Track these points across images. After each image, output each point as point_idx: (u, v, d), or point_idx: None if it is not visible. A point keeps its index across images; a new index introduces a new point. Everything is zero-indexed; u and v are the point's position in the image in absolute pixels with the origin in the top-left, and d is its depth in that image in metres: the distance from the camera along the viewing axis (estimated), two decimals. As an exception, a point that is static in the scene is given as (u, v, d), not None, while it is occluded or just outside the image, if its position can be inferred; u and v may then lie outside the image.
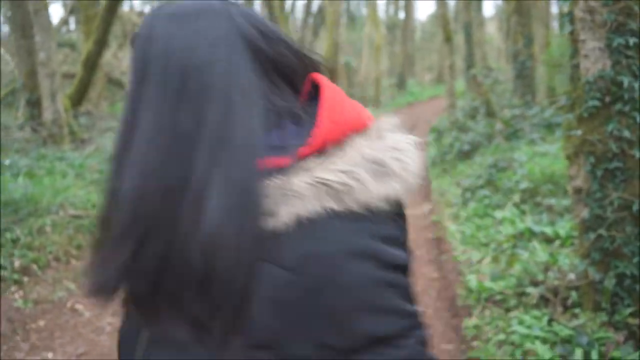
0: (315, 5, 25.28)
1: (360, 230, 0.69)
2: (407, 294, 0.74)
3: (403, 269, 0.74)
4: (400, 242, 0.75)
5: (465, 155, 8.24)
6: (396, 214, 0.75)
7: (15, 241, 4.93)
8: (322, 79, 0.80)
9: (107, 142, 8.26)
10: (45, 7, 8.05)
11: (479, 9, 19.73)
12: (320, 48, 23.44)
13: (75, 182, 6.64)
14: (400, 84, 26.49)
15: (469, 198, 6.23)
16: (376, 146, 0.74)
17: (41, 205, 5.55)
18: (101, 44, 9.56)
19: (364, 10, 30.68)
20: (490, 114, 8.92)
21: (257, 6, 25.57)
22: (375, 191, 0.71)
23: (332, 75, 17.55)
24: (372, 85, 23.06)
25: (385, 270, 0.70)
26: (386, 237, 0.72)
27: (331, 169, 0.70)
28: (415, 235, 5.93)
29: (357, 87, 22.62)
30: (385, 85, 25.34)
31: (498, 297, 3.97)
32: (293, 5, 28.58)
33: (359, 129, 0.75)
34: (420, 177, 0.76)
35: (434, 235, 5.87)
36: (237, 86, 0.70)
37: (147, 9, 30.03)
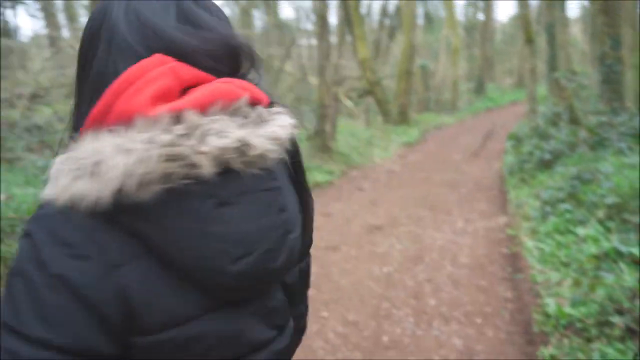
0: (391, 7, 24.95)
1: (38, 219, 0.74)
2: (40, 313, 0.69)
3: (63, 284, 0.70)
4: (79, 253, 0.71)
5: (546, 165, 7.78)
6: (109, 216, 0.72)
7: None
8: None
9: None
10: None
11: (563, 9, 18.82)
12: (396, 50, 23.10)
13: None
14: (479, 88, 25.74)
15: (549, 212, 5.83)
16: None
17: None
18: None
19: (442, 12, 30.04)
20: (574, 120, 8.40)
21: (333, 7, 25.52)
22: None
23: (408, 78, 17.21)
24: (450, 89, 22.50)
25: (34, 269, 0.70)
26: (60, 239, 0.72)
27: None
28: (488, 250, 5.60)
29: (433, 90, 22.13)
30: (463, 89, 24.69)
31: (578, 325, 3.63)
32: (369, 7, 28.35)
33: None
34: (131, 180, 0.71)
35: (509, 251, 5.52)
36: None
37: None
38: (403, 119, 16.81)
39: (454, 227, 6.34)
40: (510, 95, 26.36)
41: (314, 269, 5.13)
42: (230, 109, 0.79)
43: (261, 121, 0.82)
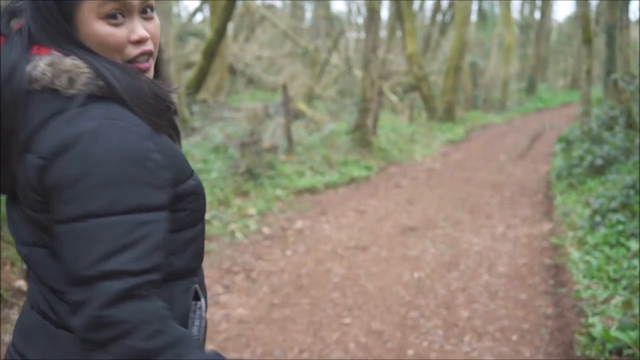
0: (445, 3, 24.29)
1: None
2: None
3: None
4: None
5: (597, 171, 7.24)
6: None
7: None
8: None
9: (216, 132, 8.13)
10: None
11: (625, 10, 17.91)
12: (446, 47, 22.48)
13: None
14: (530, 88, 24.84)
15: (599, 222, 5.35)
16: None
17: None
18: (221, 33, 9.47)
19: (497, 9, 29.14)
20: (631, 125, 7.81)
21: (385, 4, 25.02)
22: None
23: (456, 74, 16.64)
24: (499, 88, 21.76)
25: None
26: None
27: None
28: (530, 259, 5.17)
29: (482, 88, 21.43)
30: (513, 88, 23.87)
31: (627, 352, 3.21)
32: (423, 2, 27.69)
33: None
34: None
35: (552, 262, 5.07)
36: None
37: (272, 2, 30.41)
38: (449, 116, 16.28)
39: (494, 232, 5.91)
40: (562, 97, 25.39)
41: (339, 271, 4.80)
42: None
43: None
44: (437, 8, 24.33)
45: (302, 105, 14.24)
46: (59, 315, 1.04)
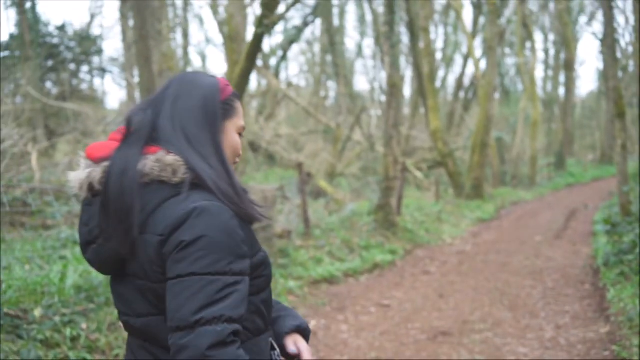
0: (467, 80, 23.87)
1: None
2: None
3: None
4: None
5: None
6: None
7: (75, 340, 3.93)
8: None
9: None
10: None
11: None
12: (470, 123, 21.83)
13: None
14: (559, 164, 23.87)
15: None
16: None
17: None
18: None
19: (519, 86, 28.65)
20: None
21: (408, 79, 24.69)
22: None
23: (483, 150, 15.85)
24: (527, 163, 20.88)
25: None
26: None
27: None
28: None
29: (510, 164, 20.55)
30: (541, 164, 22.95)
31: None
32: (445, 80, 27.35)
33: None
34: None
35: (619, 378, 4.06)
36: None
37: (297, 81, 30.40)
38: (477, 193, 15.36)
39: (542, 336, 4.90)
40: (593, 172, 24.34)
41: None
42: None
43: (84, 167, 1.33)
44: (459, 84, 23.92)
45: (323, 183, 13.52)
46: None
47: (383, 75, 24.25)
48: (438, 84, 22.69)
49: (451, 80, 27.09)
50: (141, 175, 1.24)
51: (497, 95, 25.67)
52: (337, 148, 16.58)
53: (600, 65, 30.93)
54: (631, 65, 23.41)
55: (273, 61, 21.30)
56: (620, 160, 11.70)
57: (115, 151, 1.27)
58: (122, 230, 1.23)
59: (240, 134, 1.40)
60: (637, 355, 4.16)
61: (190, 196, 1.23)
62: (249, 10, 16.07)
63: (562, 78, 29.02)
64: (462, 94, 24.05)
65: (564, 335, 4.92)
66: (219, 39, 34.79)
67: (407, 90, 26.48)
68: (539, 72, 31.47)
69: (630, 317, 4.83)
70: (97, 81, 26.15)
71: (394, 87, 10.51)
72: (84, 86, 20.94)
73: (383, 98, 23.44)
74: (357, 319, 5.47)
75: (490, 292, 6.50)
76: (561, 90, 29.30)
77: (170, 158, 1.25)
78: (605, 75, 29.59)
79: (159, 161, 1.25)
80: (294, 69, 43.50)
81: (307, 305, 5.88)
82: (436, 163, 16.42)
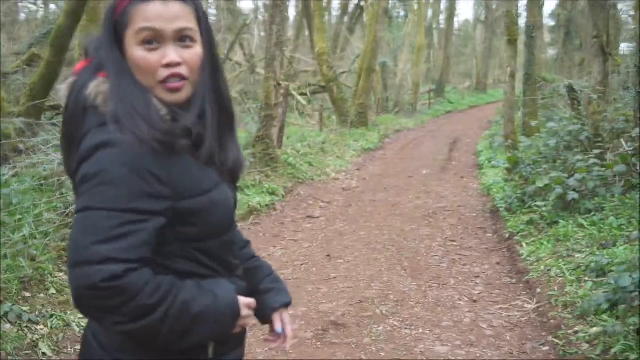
0: (352, 3, 22.24)
1: None
2: None
3: None
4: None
5: (567, 208, 5.27)
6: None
7: None
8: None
9: (53, 158, 5.47)
10: None
11: (541, 12, 16.58)
12: (354, 46, 20.43)
13: None
14: (439, 91, 23.31)
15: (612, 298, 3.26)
16: None
17: None
18: (74, 15, 6.76)
19: (402, 12, 27.52)
20: (599, 145, 5.96)
21: (293, 4, 22.63)
22: None
23: (369, 75, 14.57)
24: (409, 90, 20.00)
25: None
26: None
27: None
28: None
29: (393, 89, 19.55)
30: (422, 91, 22.24)
31: None
32: (329, 3, 25.51)
33: None
34: None
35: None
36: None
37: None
38: (361, 121, 14.18)
39: (460, 321, 3.68)
40: (469, 99, 24.14)
41: None
42: None
43: None
44: (345, 7, 22.27)
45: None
46: None
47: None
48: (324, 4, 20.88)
49: (335, 4, 25.32)
50: (84, 99, 1.14)
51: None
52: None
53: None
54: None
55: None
56: (509, 90, 10.88)
57: (80, 70, 1.19)
58: (67, 152, 1.18)
59: (151, 41, 1.11)
60: (590, 351, 3.04)
61: (106, 127, 1.08)
62: None
63: (443, 4, 28.26)
64: (345, 19, 22.45)
65: (484, 316, 3.75)
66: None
67: (292, 11, 24.50)
68: (421, -2, 30.53)
69: (550, 278, 3.74)
70: None
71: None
72: None
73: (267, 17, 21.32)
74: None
75: (386, 247, 5.25)
76: (441, 17, 28.61)
77: (105, 87, 1.13)
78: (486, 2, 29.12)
79: (97, 87, 1.14)
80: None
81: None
82: (320, 88, 14.96)
